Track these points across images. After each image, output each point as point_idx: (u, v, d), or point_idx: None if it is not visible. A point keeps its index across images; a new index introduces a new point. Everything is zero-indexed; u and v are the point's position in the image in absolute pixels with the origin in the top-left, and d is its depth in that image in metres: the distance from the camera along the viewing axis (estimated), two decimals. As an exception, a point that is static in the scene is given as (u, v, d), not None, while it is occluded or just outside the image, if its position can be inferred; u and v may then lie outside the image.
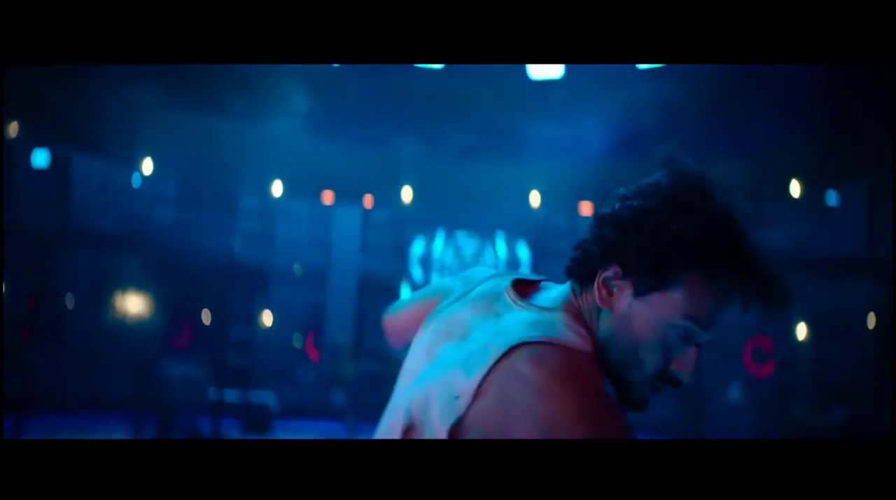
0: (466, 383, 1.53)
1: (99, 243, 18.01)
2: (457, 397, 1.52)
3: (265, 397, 16.21)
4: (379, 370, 14.96)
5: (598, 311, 1.58)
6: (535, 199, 22.17)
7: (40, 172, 17.93)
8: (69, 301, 18.03)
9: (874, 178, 16.30)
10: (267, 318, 19.63)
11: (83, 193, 18.23)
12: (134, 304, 17.96)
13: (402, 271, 21.11)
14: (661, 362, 1.48)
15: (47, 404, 13.92)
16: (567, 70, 23.46)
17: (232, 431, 14.11)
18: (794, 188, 17.14)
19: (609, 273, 1.56)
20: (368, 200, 19.71)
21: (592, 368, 1.49)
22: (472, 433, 1.49)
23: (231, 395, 15.62)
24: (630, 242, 1.53)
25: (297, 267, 19.92)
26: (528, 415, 1.43)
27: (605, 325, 1.57)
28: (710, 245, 1.46)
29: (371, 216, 20.25)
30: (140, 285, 17.90)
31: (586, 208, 22.69)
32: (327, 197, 19.47)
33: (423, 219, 20.94)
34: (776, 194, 17.95)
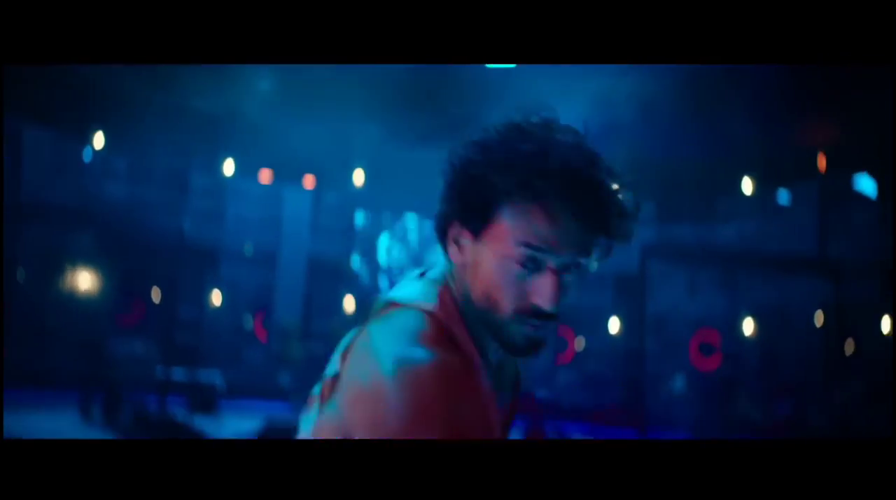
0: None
1: (49, 218, 17.78)
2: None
3: (212, 377, 16.12)
4: (325, 352, 14.89)
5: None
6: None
7: (-10, 143, 17.65)
8: (19, 275, 17.80)
9: (827, 178, 16.42)
10: (216, 297, 19.50)
11: (34, 166, 17.99)
12: (83, 280, 17.76)
13: (350, 254, 21.11)
14: (514, 297, 1.43)
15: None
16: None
17: (178, 409, 14.00)
18: (747, 185, 17.24)
19: (454, 230, 1.55)
20: (310, 181, 19.12)
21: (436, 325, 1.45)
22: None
23: (178, 373, 15.53)
24: (447, 189, 1.54)
25: (247, 247, 19.77)
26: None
27: (459, 279, 1.55)
28: (517, 168, 1.44)
29: (322, 198, 20.08)
30: (90, 262, 17.71)
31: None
32: (267, 176, 19.13)
33: (375, 202, 20.90)
34: (728, 191, 18.07)
